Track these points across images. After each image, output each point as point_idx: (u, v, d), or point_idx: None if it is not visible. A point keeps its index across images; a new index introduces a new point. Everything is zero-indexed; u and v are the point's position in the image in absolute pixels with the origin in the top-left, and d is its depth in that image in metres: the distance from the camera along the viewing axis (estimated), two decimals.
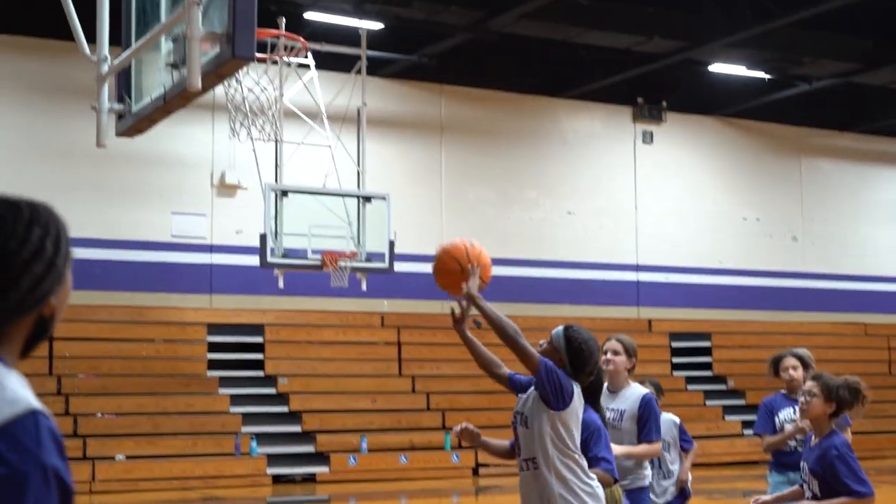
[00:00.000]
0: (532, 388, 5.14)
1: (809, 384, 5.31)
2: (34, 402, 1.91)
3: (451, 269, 5.50)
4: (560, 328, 5.29)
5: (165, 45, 5.56)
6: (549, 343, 5.28)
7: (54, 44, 13.62)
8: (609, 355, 6.60)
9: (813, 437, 5.34)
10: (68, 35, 6.11)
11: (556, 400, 4.99)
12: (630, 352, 6.64)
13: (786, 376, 6.67)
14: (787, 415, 6.61)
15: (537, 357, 5.04)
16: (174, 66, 5.25)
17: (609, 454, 5.41)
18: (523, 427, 5.12)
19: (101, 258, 14.24)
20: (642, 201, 18.15)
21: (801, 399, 5.31)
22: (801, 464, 5.36)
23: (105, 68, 5.82)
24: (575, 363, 5.15)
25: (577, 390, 5.07)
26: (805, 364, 6.70)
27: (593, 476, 5.09)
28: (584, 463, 5.09)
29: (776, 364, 6.84)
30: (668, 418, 7.55)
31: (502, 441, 5.62)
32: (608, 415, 6.37)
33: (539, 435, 5.02)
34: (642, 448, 6.39)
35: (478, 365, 5.52)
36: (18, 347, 2.06)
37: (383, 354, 15.77)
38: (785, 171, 19.38)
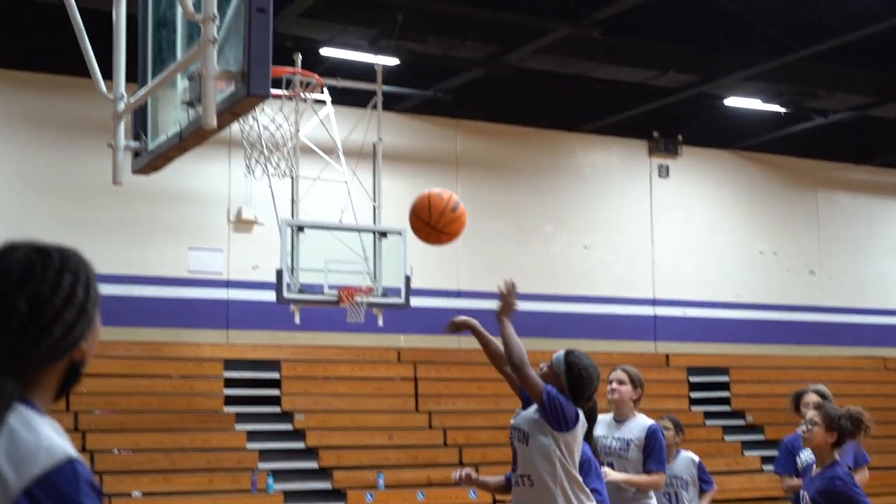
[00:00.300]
0: (533, 405, 5.19)
1: (811, 413, 5.29)
2: (70, 451, 1.95)
3: (416, 225, 5.90)
4: (561, 353, 5.39)
5: (181, 83, 5.59)
6: (550, 367, 5.36)
7: (70, 80, 13.70)
8: (614, 385, 6.69)
9: (814, 467, 5.30)
10: (84, 72, 6.16)
11: (560, 424, 5.04)
12: (636, 382, 6.71)
13: (807, 412, 6.62)
14: (808, 455, 6.56)
15: (540, 385, 5.10)
16: (190, 104, 5.27)
17: (600, 485, 5.47)
18: (521, 443, 5.16)
19: (117, 294, 14.26)
20: (658, 235, 18.12)
21: (803, 428, 5.27)
22: (801, 493, 5.31)
23: (121, 106, 5.85)
24: (574, 389, 5.22)
25: (580, 414, 5.14)
26: (825, 400, 6.67)
27: (592, 498, 5.15)
28: (584, 486, 5.14)
29: (797, 400, 6.82)
30: (686, 456, 7.51)
31: (498, 477, 5.68)
32: (614, 444, 6.43)
33: (540, 453, 5.06)
34: (643, 478, 6.40)
35: (488, 357, 5.61)
36: (51, 393, 2.12)
37: (400, 390, 15.73)
38: (801, 205, 19.34)
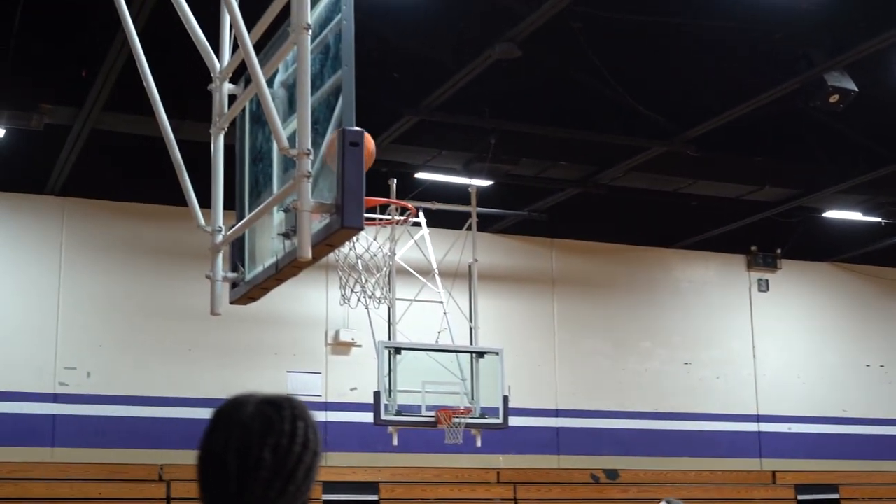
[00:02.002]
0: None
1: None
2: None
3: None
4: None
5: (277, 215, 5.67)
6: None
7: (170, 209, 14.03)
8: None
9: None
10: (183, 201, 6.29)
11: None
12: None
13: None
14: None
15: None
16: (286, 235, 5.34)
17: None
18: None
19: None
20: (760, 350, 17.83)
21: None
22: None
23: (219, 238, 5.95)
24: None
25: None
26: None
27: None
28: None
29: None
30: None
31: None
32: None
33: None
34: None
35: None
36: None
37: None
38: None
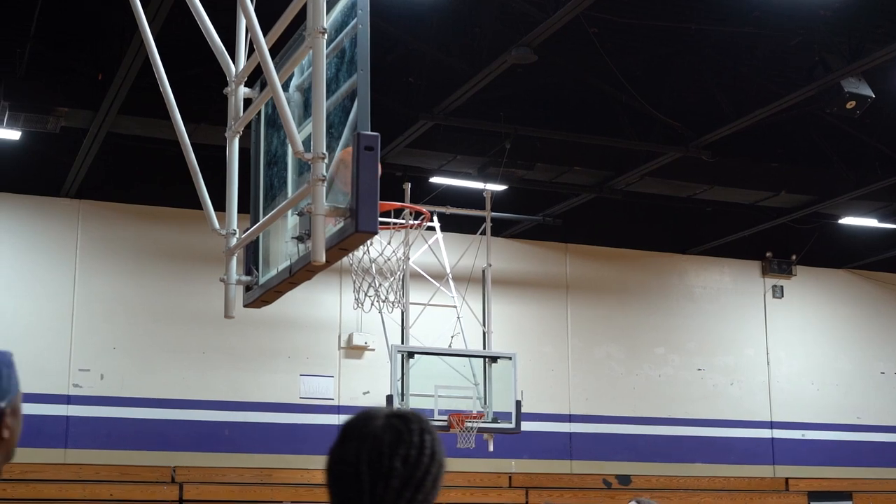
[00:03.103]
0: None
1: None
2: None
3: None
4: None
5: (291, 219, 5.67)
6: None
7: (184, 212, 14.07)
8: None
9: None
10: (197, 205, 6.30)
11: None
12: None
13: None
14: None
15: None
16: (300, 238, 5.33)
17: None
18: None
19: (229, 420, 14.41)
20: (774, 356, 17.78)
21: None
22: None
23: (233, 242, 5.96)
24: None
25: None
26: None
27: None
28: None
29: None
30: None
31: None
32: None
33: None
34: None
35: None
36: None
37: None
38: None
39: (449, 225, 13.42)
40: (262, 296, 6.00)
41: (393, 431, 2.35)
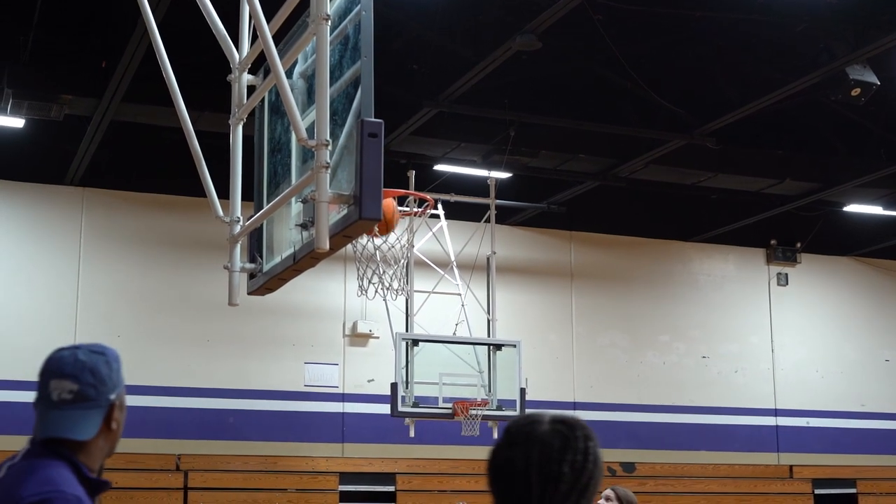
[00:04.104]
0: None
1: None
2: None
3: None
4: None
5: (295, 206, 5.66)
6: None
7: (188, 200, 14.08)
8: (601, 502, 7.22)
9: None
10: (201, 192, 6.29)
11: None
12: (623, 500, 7.27)
13: None
14: None
15: None
16: (303, 226, 5.33)
17: None
18: None
19: (234, 408, 14.43)
20: (779, 344, 17.77)
21: None
22: None
23: (237, 229, 5.95)
24: None
25: None
26: None
27: None
28: None
29: None
30: None
31: None
32: None
33: None
34: None
35: None
36: None
37: None
38: None
39: (453, 212, 13.41)
40: (266, 283, 6.00)
41: (560, 437, 2.44)
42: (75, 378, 3.03)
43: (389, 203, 6.23)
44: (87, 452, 3.07)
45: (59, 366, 3.06)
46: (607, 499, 7.20)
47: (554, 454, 2.41)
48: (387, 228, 7.20)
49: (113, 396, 3.11)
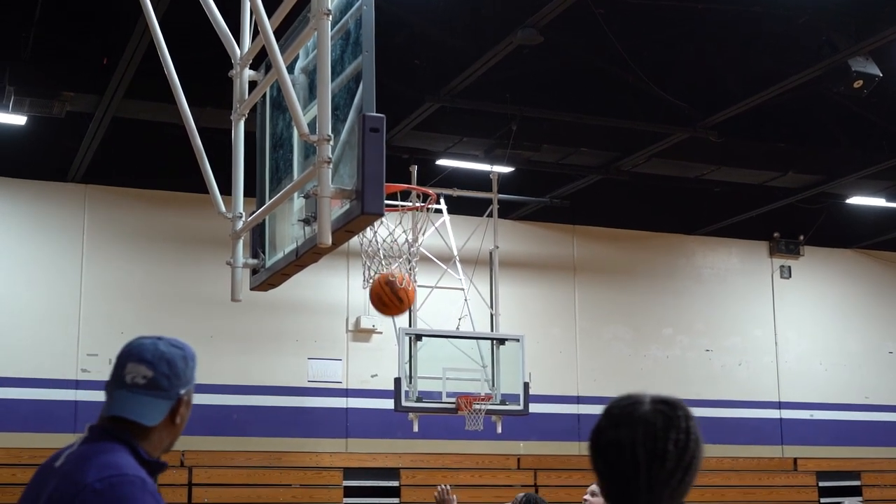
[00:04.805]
0: None
1: None
2: None
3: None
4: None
5: (297, 201, 5.66)
6: None
7: (190, 196, 14.08)
8: (587, 496, 7.14)
9: None
10: (204, 188, 6.29)
11: None
12: None
13: None
14: None
15: None
16: (306, 221, 5.33)
17: None
18: None
19: (238, 404, 14.43)
20: (782, 337, 17.76)
21: None
22: None
23: (240, 225, 5.95)
24: None
25: None
26: None
27: None
28: None
29: None
30: None
31: None
32: None
33: None
34: None
35: None
36: None
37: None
38: None
39: (456, 207, 13.40)
40: (269, 279, 6.00)
41: (663, 416, 2.52)
42: (152, 365, 3.15)
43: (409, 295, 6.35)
44: (148, 440, 3.14)
45: (140, 351, 3.18)
46: (593, 494, 7.12)
47: (658, 432, 2.49)
48: (402, 308, 7.15)
49: (183, 392, 3.24)
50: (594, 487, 7.12)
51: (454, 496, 6.92)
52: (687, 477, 2.47)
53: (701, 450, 2.53)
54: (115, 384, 3.16)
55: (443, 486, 7.05)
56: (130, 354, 3.18)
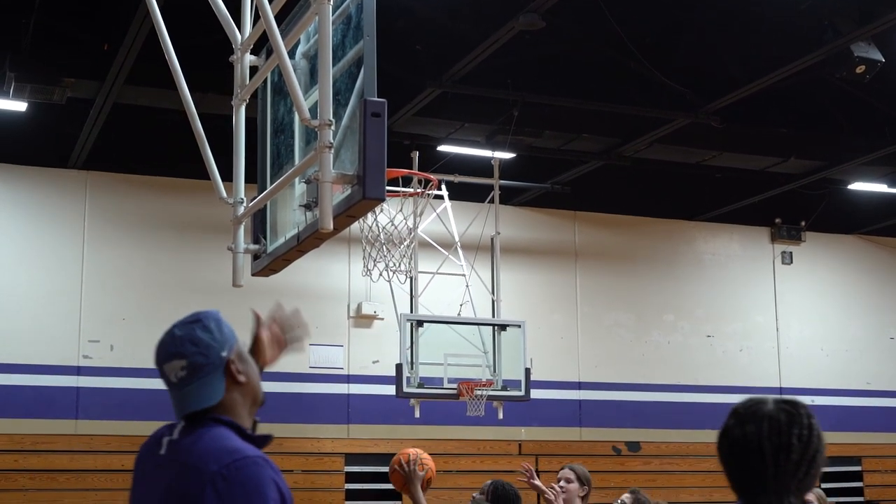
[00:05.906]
0: None
1: None
2: None
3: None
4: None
5: (299, 187, 5.66)
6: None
7: (191, 182, 14.07)
8: (561, 483, 7.13)
9: None
10: (205, 174, 6.28)
11: None
12: (582, 479, 7.15)
13: None
14: None
15: None
16: (307, 206, 5.33)
17: None
18: None
19: None
20: (784, 322, 17.76)
21: None
22: None
23: (241, 210, 5.95)
24: None
25: None
26: None
27: None
28: None
29: None
30: None
31: None
32: None
33: None
34: None
35: None
36: None
37: (521, 483, 15.52)
38: None
39: (457, 193, 13.38)
40: (270, 264, 6.00)
41: (786, 413, 2.75)
42: (180, 355, 3.21)
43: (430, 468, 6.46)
44: (231, 411, 3.19)
45: (163, 350, 3.26)
46: (567, 480, 7.06)
47: (783, 427, 2.71)
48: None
49: (225, 353, 3.24)
50: (567, 473, 7.10)
51: (429, 465, 6.79)
52: (812, 469, 2.68)
53: (823, 445, 2.72)
54: (170, 389, 3.24)
55: (413, 452, 6.90)
56: (159, 358, 3.26)
